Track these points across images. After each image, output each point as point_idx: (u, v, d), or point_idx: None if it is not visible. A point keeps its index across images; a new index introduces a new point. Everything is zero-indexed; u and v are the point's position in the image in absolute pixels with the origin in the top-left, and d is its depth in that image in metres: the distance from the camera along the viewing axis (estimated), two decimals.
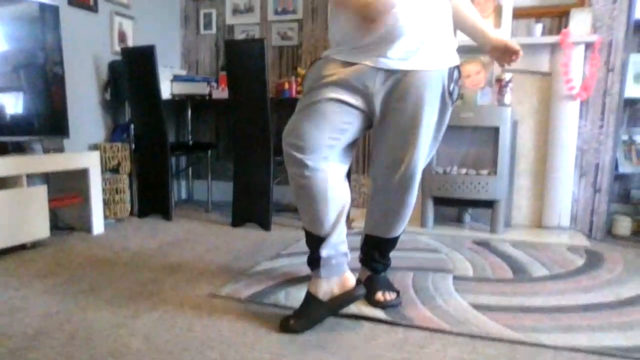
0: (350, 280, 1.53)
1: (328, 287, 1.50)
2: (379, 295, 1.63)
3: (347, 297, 1.50)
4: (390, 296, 1.64)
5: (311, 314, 1.49)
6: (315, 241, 1.51)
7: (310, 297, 1.51)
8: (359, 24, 1.42)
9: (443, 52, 1.47)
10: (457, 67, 1.51)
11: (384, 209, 1.61)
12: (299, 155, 1.43)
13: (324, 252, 1.49)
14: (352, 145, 1.56)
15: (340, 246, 1.51)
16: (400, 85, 1.45)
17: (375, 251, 1.71)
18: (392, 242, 1.70)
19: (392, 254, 1.77)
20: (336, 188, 1.48)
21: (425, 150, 1.51)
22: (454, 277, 1.97)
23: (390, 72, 1.44)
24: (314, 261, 1.51)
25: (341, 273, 1.52)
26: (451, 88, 1.48)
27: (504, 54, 1.56)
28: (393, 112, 1.48)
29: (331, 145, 1.45)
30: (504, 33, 2.80)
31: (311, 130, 1.43)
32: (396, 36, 1.39)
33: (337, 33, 1.51)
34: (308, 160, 1.42)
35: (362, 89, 1.46)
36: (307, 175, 1.43)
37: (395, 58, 1.42)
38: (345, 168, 1.55)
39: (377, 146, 1.57)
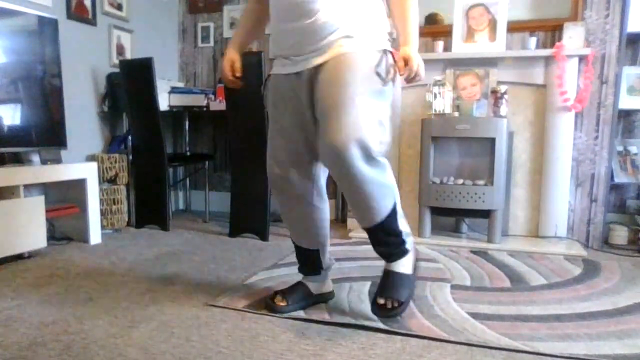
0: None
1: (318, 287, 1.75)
2: (380, 300, 1.56)
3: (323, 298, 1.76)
4: (390, 304, 1.55)
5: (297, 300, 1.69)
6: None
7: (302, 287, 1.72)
8: (278, 30, 1.52)
9: (363, 37, 1.44)
10: (385, 51, 1.47)
11: (349, 201, 1.52)
12: None
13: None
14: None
15: None
16: (321, 73, 1.44)
17: (371, 239, 1.59)
18: (377, 231, 1.53)
19: None
20: None
21: (359, 130, 1.36)
22: (452, 287, 1.97)
23: (312, 68, 1.46)
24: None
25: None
26: (379, 69, 1.43)
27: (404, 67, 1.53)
28: (320, 101, 1.44)
29: None
30: (498, 46, 2.84)
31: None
32: (314, 34, 1.43)
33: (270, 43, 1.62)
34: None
35: (295, 97, 1.53)
36: None
37: (313, 55, 1.45)
38: None
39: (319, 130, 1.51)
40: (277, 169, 1.60)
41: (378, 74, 1.43)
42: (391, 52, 1.50)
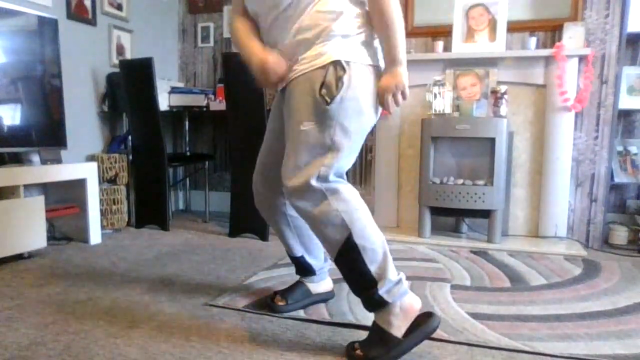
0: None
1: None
2: (356, 345, 1.37)
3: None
4: (358, 353, 1.34)
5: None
6: None
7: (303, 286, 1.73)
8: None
9: (312, 54, 1.35)
10: (333, 64, 1.32)
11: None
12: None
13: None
14: None
15: None
16: (286, 98, 1.44)
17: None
18: (340, 266, 1.38)
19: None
20: None
21: (293, 169, 1.35)
22: (452, 287, 1.97)
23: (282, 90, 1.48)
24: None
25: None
26: (323, 91, 1.32)
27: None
28: (286, 123, 1.44)
29: None
30: (498, 46, 2.84)
31: None
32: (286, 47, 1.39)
33: None
34: None
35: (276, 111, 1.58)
36: None
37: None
38: None
39: None
40: (255, 176, 1.65)
41: (322, 96, 1.32)
42: (339, 64, 1.32)
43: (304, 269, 1.73)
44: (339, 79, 1.31)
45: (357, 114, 1.34)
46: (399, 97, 1.38)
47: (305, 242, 1.69)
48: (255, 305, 1.72)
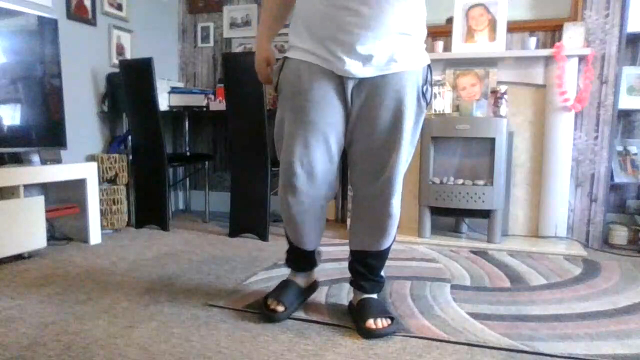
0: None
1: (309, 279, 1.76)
2: (370, 323, 1.48)
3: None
4: (382, 323, 1.49)
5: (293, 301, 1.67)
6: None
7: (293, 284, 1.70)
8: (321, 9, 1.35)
9: (416, 51, 1.40)
10: (429, 66, 1.45)
11: (368, 219, 1.52)
12: None
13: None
14: None
15: None
16: (377, 87, 1.38)
17: (362, 268, 1.59)
18: (379, 257, 1.58)
19: (389, 264, 1.77)
20: None
21: (405, 155, 1.44)
22: (452, 287, 1.97)
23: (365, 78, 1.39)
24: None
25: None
26: (424, 89, 1.42)
27: None
28: (373, 117, 1.40)
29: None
30: (498, 46, 2.84)
31: None
32: (366, 39, 1.32)
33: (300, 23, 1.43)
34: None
35: (339, 97, 1.42)
36: None
37: (369, 65, 1.36)
38: None
39: (356, 151, 1.48)
40: (303, 170, 1.44)
41: (424, 96, 1.43)
42: (430, 67, 1.46)
43: (310, 264, 1.71)
44: (430, 83, 1.46)
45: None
46: None
47: (321, 235, 1.68)
48: (255, 305, 1.72)
